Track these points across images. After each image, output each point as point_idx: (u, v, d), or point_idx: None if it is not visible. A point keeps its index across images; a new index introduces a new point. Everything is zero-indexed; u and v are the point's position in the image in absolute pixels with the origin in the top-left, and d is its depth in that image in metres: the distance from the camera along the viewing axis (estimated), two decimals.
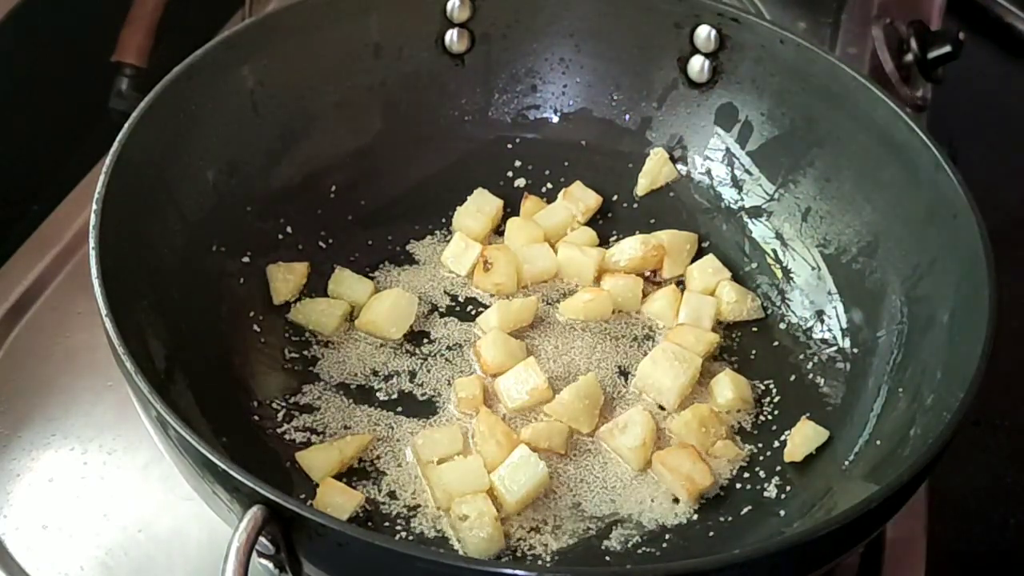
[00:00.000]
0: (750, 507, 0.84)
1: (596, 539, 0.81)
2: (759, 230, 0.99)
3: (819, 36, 1.27)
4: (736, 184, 1.01)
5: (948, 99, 1.26)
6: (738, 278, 0.98)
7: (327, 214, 0.99)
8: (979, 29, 1.43)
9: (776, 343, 0.95)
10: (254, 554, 0.62)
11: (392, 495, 0.83)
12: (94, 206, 0.78)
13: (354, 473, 0.84)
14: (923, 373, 0.82)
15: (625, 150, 1.04)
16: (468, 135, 1.04)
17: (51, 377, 0.94)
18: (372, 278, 0.96)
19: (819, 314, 0.94)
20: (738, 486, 0.85)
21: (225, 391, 0.86)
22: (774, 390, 0.91)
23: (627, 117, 1.04)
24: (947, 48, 1.22)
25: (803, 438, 0.86)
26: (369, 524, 0.81)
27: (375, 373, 0.90)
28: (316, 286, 0.95)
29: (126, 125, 0.83)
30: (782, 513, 0.82)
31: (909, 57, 1.23)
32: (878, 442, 0.82)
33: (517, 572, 0.63)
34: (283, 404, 0.87)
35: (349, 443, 0.84)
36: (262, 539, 0.63)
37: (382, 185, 1.01)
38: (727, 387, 0.89)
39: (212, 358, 0.87)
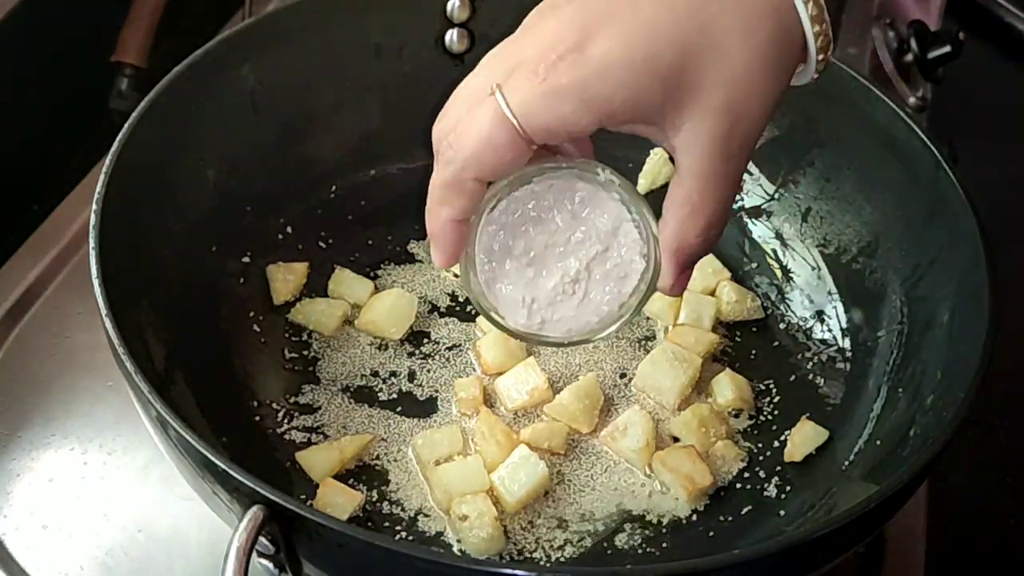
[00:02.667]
0: (750, 507, 0.84)
1: (596, 539, 0.81)
2: (759, 230, 0.99)
3: None
4: None
5: (948, 99, 1.26)
6: (738, 278, 0.98)
7: (327, 214, 0.99)
8: (979, 29, 1.43)
9: (776, 343, 0.95)
10: (254, 554, 0.62)
11: (392, 495, 0.83)
12: (94, 206, 0.78)
13: (354, 473, 0.84)
14: (923, 373, 0.82)
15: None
16: None
17: (51, 377, 0.94)
18: (372, 278, 0.96)
19: (819, 314, 0.94)
20: (738, 486, 0.85)
21: (225, 391, 0.86)
22: (774, 390, 0.91)
23: None
24: (947, 48, 1.22)
25: (803, 438, 0.86)
26: (369, 524, 0.81)
27: (375, 373, 0.90)
28: (316, 286, 0.95)
29: (126, 125, 0.83)
30: (782, 513, 0.83)
31: (909, 57, 1.23)
32: (878, 442, 0.82)
33: (517, 572, 0.63)
34: (283, 404, 0.87)
35: (349, 443, 0.84)
36: (262, 539, 0.63)
37: (382, 185, 1.01)
38: (727, 387, 0.89)
39: (212, 358, 0.87)
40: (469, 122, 0.61)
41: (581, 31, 0.59)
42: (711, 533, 0.82)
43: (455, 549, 0.80)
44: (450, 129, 0.62)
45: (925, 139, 0.87)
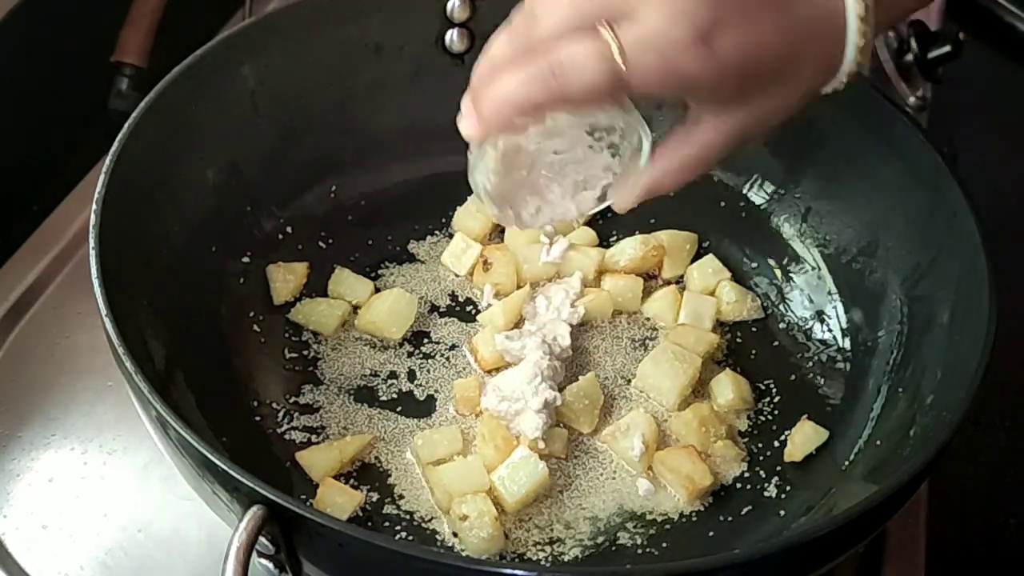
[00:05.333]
0: (750, 507, 0.84)
1: (596, 539, 0.81)
2: None
3: None
4: None
5: (948, 99, 1.26)
6: (738, 278, 0.98)
7: (327, 214, 0.99)
8: (979, 29, 1.42)
9: (776, 343, 0.95)
10: (254, 554, 0.62)
11: (392, 495, 0.83)
12: (94, 206, 0.78)
13: (354, 473, 0.84)
14: (923, 373, 0.82)
15: None
16: None
17: (51, 377, 0.94)
18: (372, 278, 0.96)
19: (819, 314, 0.94)
20: (738, 486, 0.85)
21: (225, 391, 0.86)
22: (774, 390, 0.91)
23: None
24: (947, 48, 1.22)
25: (803, 438, 0.86)
26: (369, 524, 0.81)
27: (375, 373, 0.90)
28: (316, 286, 0.95)
29: (126, 125, 0.83)
30: (782, 513, 0.83)
31: (909, 57, 1.23)
32: (878, 442, 0.82)
33: (517, 572, 0.63)
34: (283, 404, 0.87)
35: (349, 443, 0.84)
36: (262, 539, 0.63)
37: (382, 185, 1.01)
38: (727, 387, 0.89)
39: (212, 358, 0.87)
40: (577, 62, 0.62)
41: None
42: (711, 533, 0.82)
43: (455, 549, 0.80)
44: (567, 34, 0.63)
45: (925, 139, 0.87)
